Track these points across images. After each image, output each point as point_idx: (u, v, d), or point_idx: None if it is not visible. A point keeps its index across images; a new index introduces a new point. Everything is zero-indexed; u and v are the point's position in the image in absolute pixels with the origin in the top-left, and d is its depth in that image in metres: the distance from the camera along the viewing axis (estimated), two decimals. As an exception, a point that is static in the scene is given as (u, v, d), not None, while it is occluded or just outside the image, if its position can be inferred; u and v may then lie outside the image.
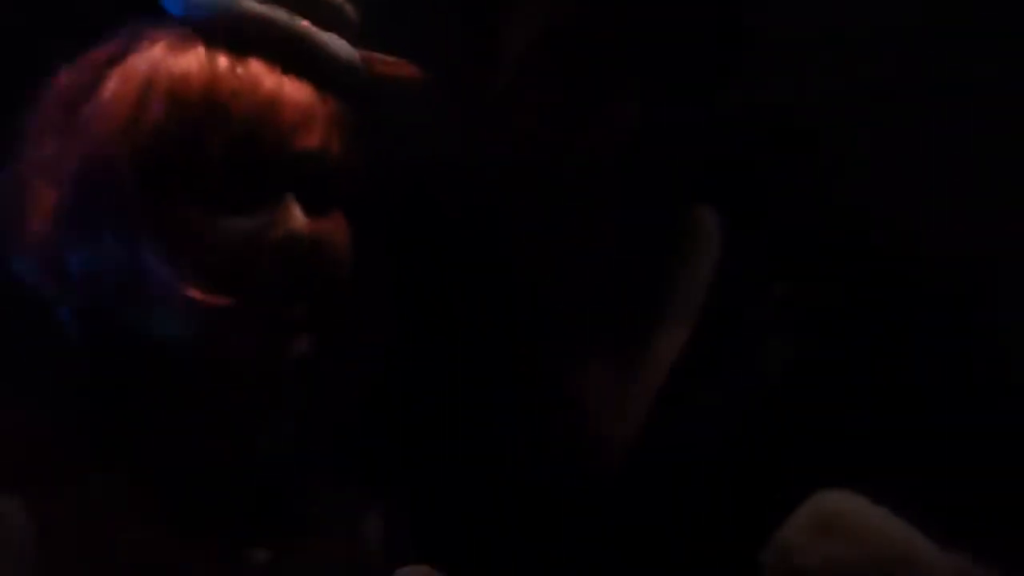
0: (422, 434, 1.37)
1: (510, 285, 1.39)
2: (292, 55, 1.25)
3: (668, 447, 1.33)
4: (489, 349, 1.38)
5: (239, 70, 1.24)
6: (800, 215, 1.40)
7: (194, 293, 1.22)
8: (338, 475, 1.36)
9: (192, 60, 1.24)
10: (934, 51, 1.75)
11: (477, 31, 1.35)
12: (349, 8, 1.30)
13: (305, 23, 1.26)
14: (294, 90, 1.25)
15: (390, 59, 1.31)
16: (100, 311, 1.27)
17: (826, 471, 1.26)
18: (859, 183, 1.50)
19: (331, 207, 1.27)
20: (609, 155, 1.30)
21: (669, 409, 1.34)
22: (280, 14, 1.26)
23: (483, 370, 1.38)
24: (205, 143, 1.23)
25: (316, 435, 1.34)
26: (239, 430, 1.30)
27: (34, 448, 1.26)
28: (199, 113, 1.23)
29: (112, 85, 1.25)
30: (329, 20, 1.28)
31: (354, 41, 1.29)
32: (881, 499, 1.25)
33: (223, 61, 1.24)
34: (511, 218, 1.37)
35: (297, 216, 1.24)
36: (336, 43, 1.28)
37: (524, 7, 1.32)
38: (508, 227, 1.38)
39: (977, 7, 1.75)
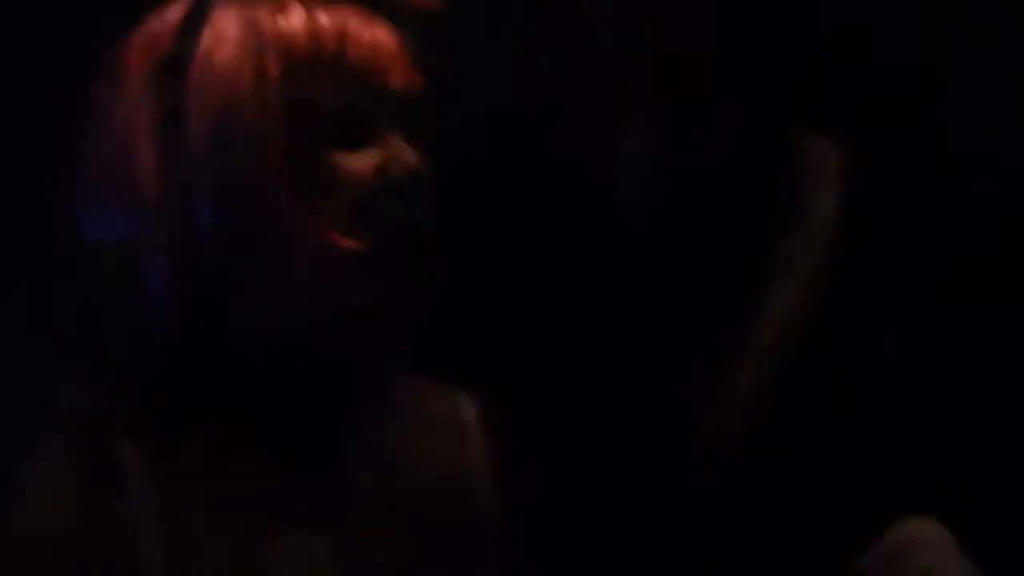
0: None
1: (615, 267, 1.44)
2: (373, 3, 1.33)
3: (772, 443, 1.38)
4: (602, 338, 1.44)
5: (339, 24, 1.31)
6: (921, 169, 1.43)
7: (335, 238, 1.29)
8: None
9: (296, 20, 1.30)
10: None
11: None
12: None
13: None
14: (384, 36, 1.33)
15: None
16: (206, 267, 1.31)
17: (930, 477, 1.34)
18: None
19: (418, 144, 1.35)
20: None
21: (774, 404, 1.39)
22: None
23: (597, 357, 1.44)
24: (321, 94, 1.30)
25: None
26: (348, 370, 1.36)
27: (147, 398, 1.32)
28: (312, 67, 1.30)
29: (218, 50, 1.29)
30: None
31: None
32: (974, 514, 1.31)
33: (323, 17, 1.31)
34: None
35: (410, 152, 1.33)
36: None
37: None
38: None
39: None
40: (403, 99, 1.33)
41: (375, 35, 1.32)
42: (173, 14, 1.32)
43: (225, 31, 1.30)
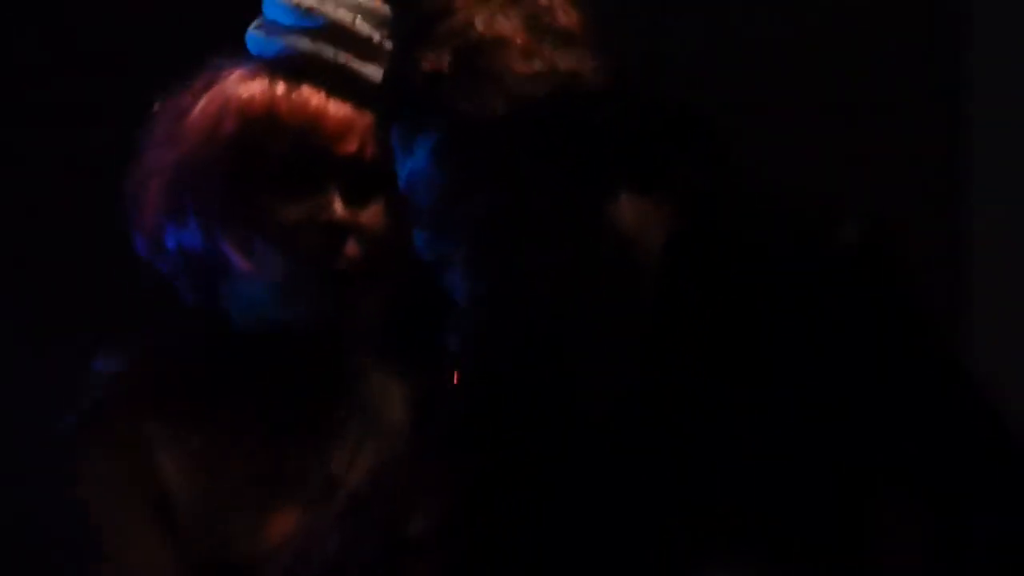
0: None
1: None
2: (335, 81, 1.62)
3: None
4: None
5: (292, 93, 1.61)
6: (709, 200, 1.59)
7: (249, 267, 1.60)
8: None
9: (257, 87, 1.62)
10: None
11: None
12: (387, 42, 1.63)
13: (347, 57, 1.63)
14: (336, 108, 1.61)
15: None
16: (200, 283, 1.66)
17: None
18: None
19: (370, 199, 1.63)
20: None
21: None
22: (327, 51, 1.62)
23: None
24: (267, 148, 1.60)
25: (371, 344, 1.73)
26: (317, 357, 1.68)
27: (168, 386, 1.66)
28: (261, 126, 1.61)
29: (199, 107, 1.63)
30: (369, 54, 1.63)
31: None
32: None
33: (281, 87, 1.61)
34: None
35: (338, 206, 1.60)
36: (372, 70, 1.62)
37: None
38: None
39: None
40: (350, 161, 1.61)
41: (326, 105, 1.61)
42: (197, 83, 1.66)
43: (212, 96, 1.63)
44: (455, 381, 1.62)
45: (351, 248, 1.61)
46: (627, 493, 1.60)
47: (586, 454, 1.62)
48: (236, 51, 1.68)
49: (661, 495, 1.59)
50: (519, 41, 1.49)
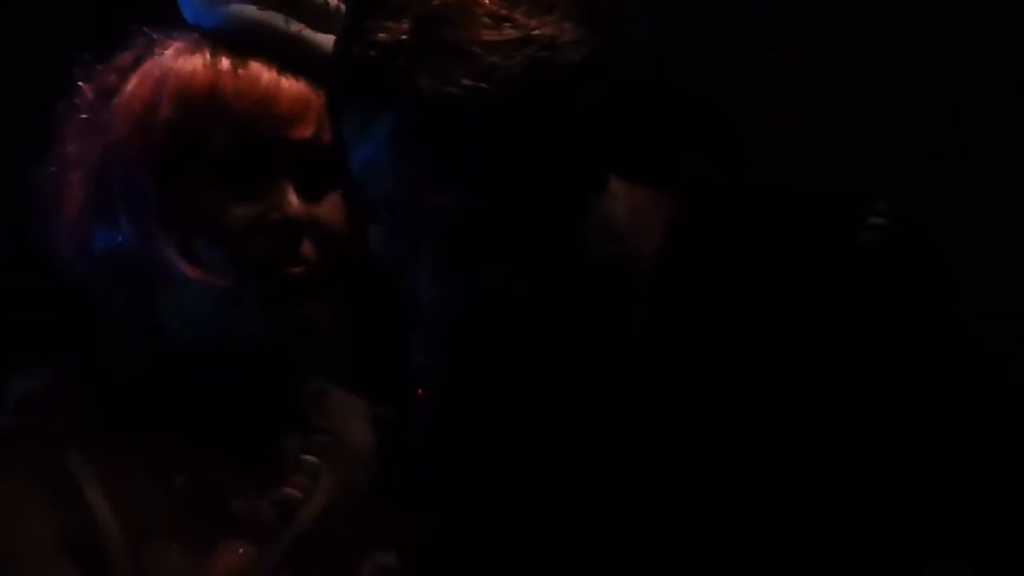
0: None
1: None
2: (287, 55, 1.43)
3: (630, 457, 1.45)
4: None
5: (239, 70, 1.42)
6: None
7: (194, 272, 1.41)
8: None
9: (198, 62, 1.43)
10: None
11: None
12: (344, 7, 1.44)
13: (300, 27, 1.44)
14: (289, 86, 1.42)
15: None
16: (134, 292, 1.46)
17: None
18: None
19: (326, 192, 1.44)
20: None
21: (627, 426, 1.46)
22: (277, 20, 1.43)
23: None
24: (209, 135, 1.41)
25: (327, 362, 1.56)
26: (267, 376, 1.50)
27: (94, 409, 1.46)
28: (203, 108, 1.41)
29: (130, 87, 1.44)
30: (324, 23, 1.45)
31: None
32: None
33: (225, 62, 1.42)
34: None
35: (293, 201, 1.42)
36: (328, 41, 1.42)
37: None
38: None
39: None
40: (305, 148, 1.42)
41: (277, 86, 1.42)
42: (123, 58, 1.47)
43: (144, 73, 1.44)
44: (420, 400, 1.51)
45: (306, 249, 1.43)
46: (609, 528, 1.46)
47: (570, 487, 1.47)
48: (170, 20, 1.49)
49: (652, 535, 1.45)
50: (488, 5, 1.36)
